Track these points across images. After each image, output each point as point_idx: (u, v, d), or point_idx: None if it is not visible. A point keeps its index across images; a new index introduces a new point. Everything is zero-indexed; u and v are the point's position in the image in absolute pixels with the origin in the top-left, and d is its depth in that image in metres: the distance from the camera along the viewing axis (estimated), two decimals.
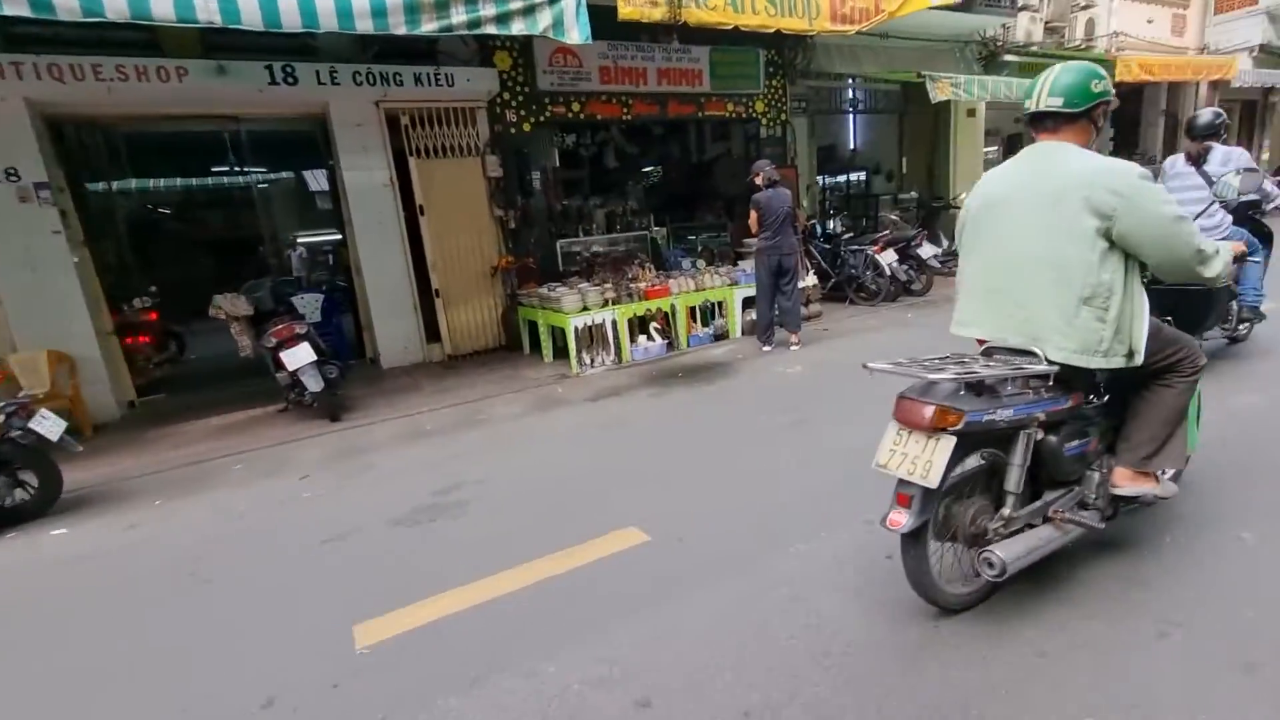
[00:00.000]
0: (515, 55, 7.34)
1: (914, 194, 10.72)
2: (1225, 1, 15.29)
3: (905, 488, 1.94)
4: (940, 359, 2.11)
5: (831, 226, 8.91)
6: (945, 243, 9.74)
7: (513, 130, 7.51)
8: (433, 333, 7.40)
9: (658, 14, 4.91)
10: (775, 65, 9.19)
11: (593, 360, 6.23)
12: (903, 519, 1.92)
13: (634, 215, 8.96)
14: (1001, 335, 2.15)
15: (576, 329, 6.05)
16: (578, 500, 3.32)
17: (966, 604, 2.14)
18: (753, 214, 6.22)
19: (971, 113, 11.59)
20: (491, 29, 4.36)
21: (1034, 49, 11.58)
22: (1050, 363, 2.01)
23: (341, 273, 8.53)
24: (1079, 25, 12.41)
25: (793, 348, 6.30)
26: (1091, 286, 1.95)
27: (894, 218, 10.63)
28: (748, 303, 7.05)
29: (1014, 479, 2.05)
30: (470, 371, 6.69)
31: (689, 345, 6.75)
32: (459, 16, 4.14)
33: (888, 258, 7.93)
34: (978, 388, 2.00)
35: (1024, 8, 10.94)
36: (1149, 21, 14.21)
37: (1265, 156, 18.41)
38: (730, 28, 5.61)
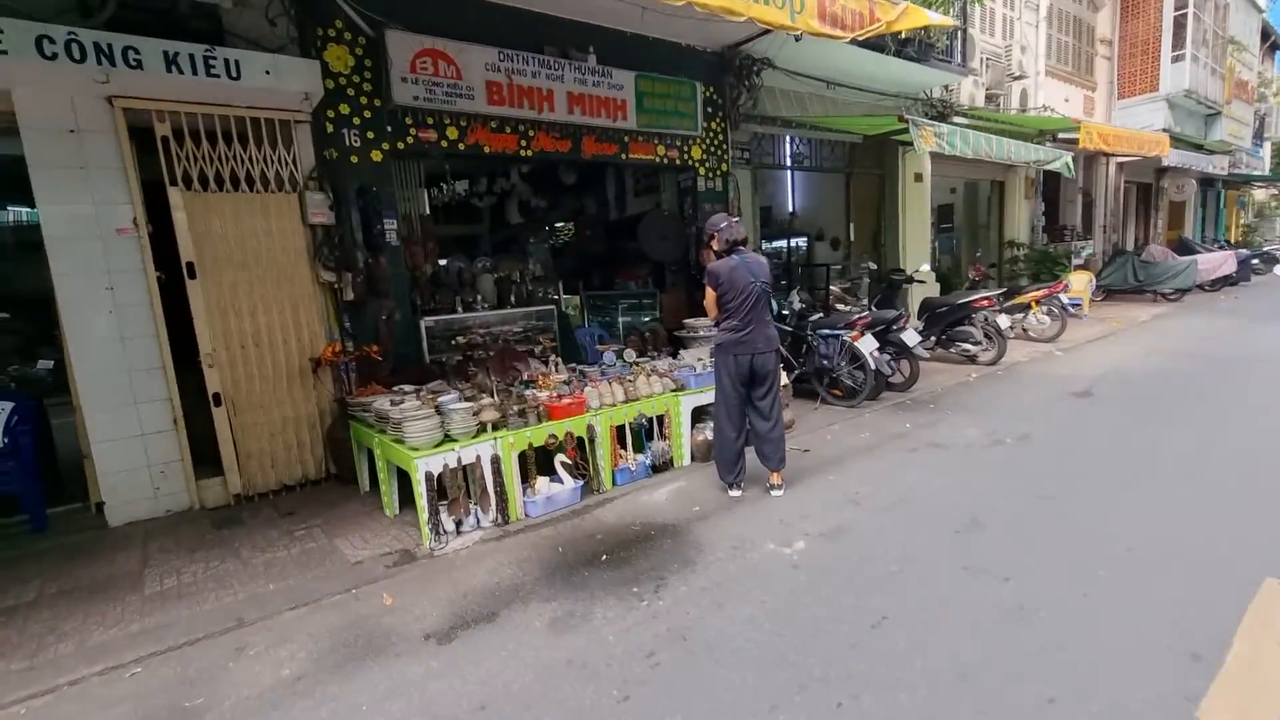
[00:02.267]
0: (358, 51, 5.05)
1: (870, 265, 9.18)
2: (1128, 88, 15.64)
3: None
4: None
5: (792, 303, 7.11)
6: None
7: (354, 159, 5.12)
8: (212, 460, 4.67)
9: None
10: (714, 104, 7.43)
11: (460, 522, 3.75)
12: None
13: (536, 283, 6.69)
14: None
15: (430, 476, 3.59)
16: None
17: None
18: (709, 292, 4.13)
19: (919, 177, 10.45)
20: None
21: (978, 113, 10.68)
22: None
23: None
24: (1014, 95, 11.79)
25: (774, 493, 4.13)
26: None
27: (836, 291, 8.98)
28: (698, 413, 4.88)
29: None
30: (253, 539, 4.00)
31: (615, 484, 4.42)
32: None
33: (868, 345, 6.08)
34: None
35: (969, 71, 10.02)
36: (1065, 100, 14.10)
37: (1159, 231, 19.06)
38: (680, 3, 3.59)
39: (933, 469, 4.48)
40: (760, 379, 4.04)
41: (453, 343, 5.66)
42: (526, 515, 3.98)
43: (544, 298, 6.66)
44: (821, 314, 6.88)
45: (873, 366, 6.00)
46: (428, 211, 6.15)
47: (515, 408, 3.99)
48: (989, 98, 11.39)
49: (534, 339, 6.01)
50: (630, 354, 5.37)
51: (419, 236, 5.88)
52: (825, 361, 6.25)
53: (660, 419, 4.69)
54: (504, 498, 3.85)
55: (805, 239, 10.83)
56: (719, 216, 4.19)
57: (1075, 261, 13.66)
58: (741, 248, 4.06)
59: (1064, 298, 9.49)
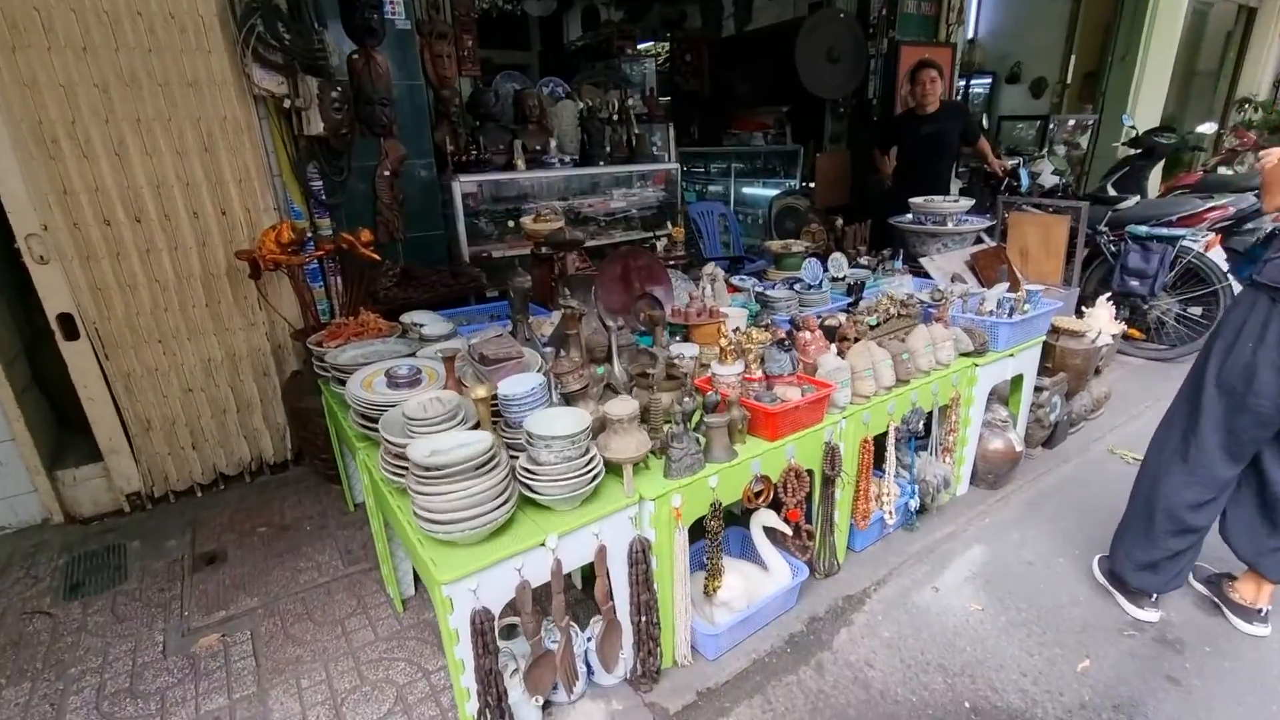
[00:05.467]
0: None
1: (1130, 124, 6.07)
2: None
3: None
4: None
5: (1039, 176, 4.40)
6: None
7: None
8: (83, 438, 2.53)
9: None
10: None
11: (553, 691, 1.57)
12: None
13: (642, 123, 4.03)
14: None
15: (482, 619, 1.34)
16: None
17: None
18: None
19: None
20: None
21: None
22: None
23: None
24: None
25: (1253, 629, 1.83)
26: None
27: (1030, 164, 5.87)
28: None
29: None
30: (111, 649, 1.92)
31: (847, 551, 2.17)
32: None
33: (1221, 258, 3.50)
34: None
35: None
36: None
37: None
38: None
39: None
40: None
41: (510, 224, 3.25)
42: (695, 654, 1.77)
43: (653, 152, 4.06)
44: (1126, 198, 4.20)
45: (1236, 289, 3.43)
46: None
47: (673, 412, 1.63)
48: None
49: (644, 223, 3.54)
50: (839, 263, 2.89)
51: (447, 24, 3.26)
52: (1136, 283, 3.67)
53: (941, 412, 2.31)
54: (652, 629, 1.63)
55: (989, 80, 7.66)
56: None
57: None
58: None
59: None
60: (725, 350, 1.86)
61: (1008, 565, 2.15)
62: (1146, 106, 7.33)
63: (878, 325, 2.28)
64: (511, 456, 1.54)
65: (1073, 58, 6.94)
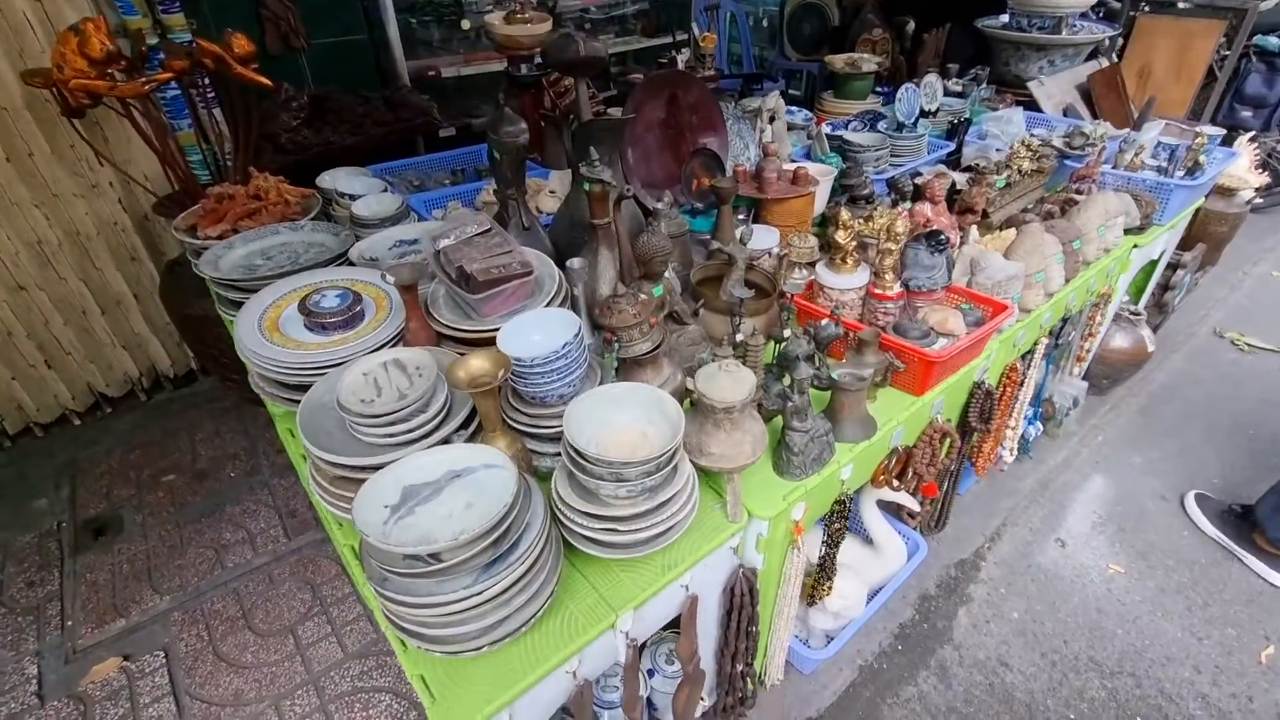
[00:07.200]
0: None
1: None
2: None
3: None
4: None
5: None
6: None
7: None
8: None
9: None
10: None
11: None
12: None
13: None
14: None
15: None
16: None
17: None
18: None
19: None
20: None
21: None
22: None
23: None
24: None
25: None
26: None
27: None
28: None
29: None
30: None
31: (959, 489, 1.70)
32: None
33: None
34: None
35: None
36: None
37: None
38: None
39: None
40: None
41: (465, 27, 2.27)
42: (787, 671, 1.33)
43: None
44: None
45: None
46: None
47: (790, 355, 1.02)
48: None
49: (641, 27, 2.58)
50: (933, 90, 2.10)
51: None
52: (1249, 113, 2.98)
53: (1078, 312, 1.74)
54: (746, 670, 1.15)
55: None
56: None
57: None
58: None
59: None
60: (843, 249, 1.20)
61: (1139, 504, 1.74)
62: None
63: (1005, 187, 1.63)
64: (532, 452, 0.92)
65: None
